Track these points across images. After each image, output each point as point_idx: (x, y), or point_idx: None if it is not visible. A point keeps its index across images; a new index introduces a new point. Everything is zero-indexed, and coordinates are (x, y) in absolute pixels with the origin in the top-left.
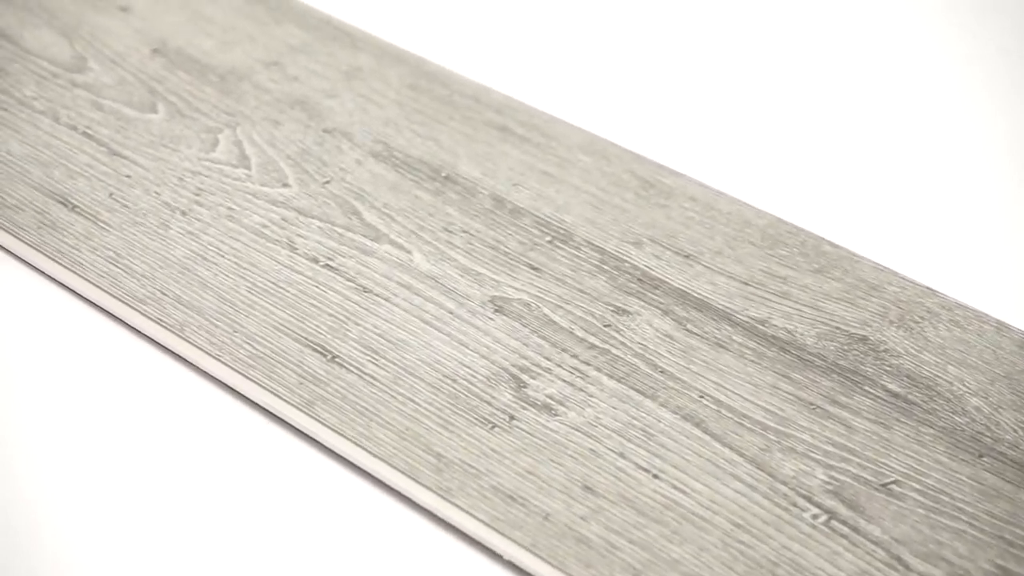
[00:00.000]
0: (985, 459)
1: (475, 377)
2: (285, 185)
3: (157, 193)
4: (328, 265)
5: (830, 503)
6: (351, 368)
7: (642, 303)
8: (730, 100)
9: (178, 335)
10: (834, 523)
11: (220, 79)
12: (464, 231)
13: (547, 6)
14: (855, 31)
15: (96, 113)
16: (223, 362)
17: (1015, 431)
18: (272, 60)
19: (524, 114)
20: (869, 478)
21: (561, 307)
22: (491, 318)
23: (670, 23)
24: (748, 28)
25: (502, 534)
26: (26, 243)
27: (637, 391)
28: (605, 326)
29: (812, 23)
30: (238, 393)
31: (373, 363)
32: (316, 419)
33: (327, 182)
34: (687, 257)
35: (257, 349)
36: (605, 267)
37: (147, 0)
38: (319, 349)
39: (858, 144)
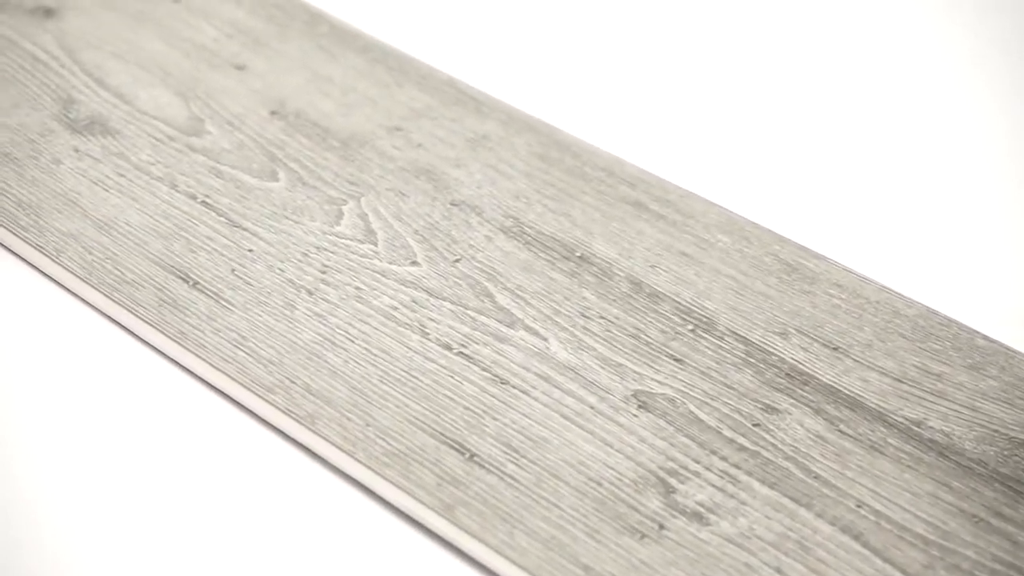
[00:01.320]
0: None
1: (621, 480)
2: (414, 263)
3: (281, 270)
4: (462, 353)
5: None
6: (491, 468)
7: (792, 400)
8: (870, 179)
9: (309, 428)
10: None
11: (342, 144)
12: (602, 317)
13: (677, 77)
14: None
15: (215, 180)
16: (357, 459)
17: None
18: (395, 125)
19: (659, 188)
20: None
21: (707, 403)
22: (635, 415)
23: (808, 99)
24: (896, 114)
25: None
26: (146, 322)
27: (791, 499)
28: (754, 425)
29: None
30: (370, 491)
31: (514, 463)
32: (456, 524)
33: (457, 260)
34: (835, 350)
35: (392, 445)
36: (751, 359)
37: (264, 58)
38: (456, 446)
39: (1009, 233)
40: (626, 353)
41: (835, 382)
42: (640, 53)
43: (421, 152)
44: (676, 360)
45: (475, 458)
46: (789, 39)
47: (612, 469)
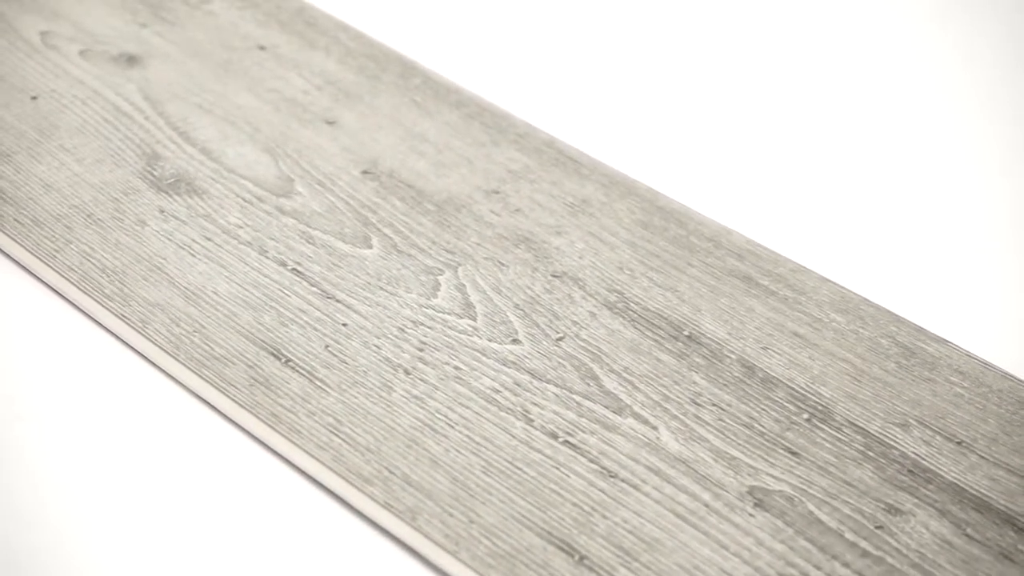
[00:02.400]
0: None
1: None
2: (515, 341)
3: (377, 347)
4: (568, 442)
5: None
6: (602, 573)
7: (915, 500)
8: (988, 256)
9: (409, 524)
10: None
11: (437, 208)
12: (714, 404)
13: (783, 142)
14: None
15: (306, 246)
16: (460, 559)
17: None
18: (492, 188)
19: (768, 261)
20: None
21: (827, 503)
22: (751, 514)
23: (923, 172)
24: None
25: None
26: (237, 402)
27: None
28: (877, 528)
29: None
30: None
31: (626, 567)
32: None
33: (560, 339)
34: (959, 444)
35: (497, 545)
36: (871, 453)
37: (355, 113)
38: (565, 547)
39: None
40: (740, 445)
41: (960, 480)
42: (744, 116)
43: (520, 218)
44: (792, 453)
45: (585, 560)
46: (907, 117)
47: (729, 575)
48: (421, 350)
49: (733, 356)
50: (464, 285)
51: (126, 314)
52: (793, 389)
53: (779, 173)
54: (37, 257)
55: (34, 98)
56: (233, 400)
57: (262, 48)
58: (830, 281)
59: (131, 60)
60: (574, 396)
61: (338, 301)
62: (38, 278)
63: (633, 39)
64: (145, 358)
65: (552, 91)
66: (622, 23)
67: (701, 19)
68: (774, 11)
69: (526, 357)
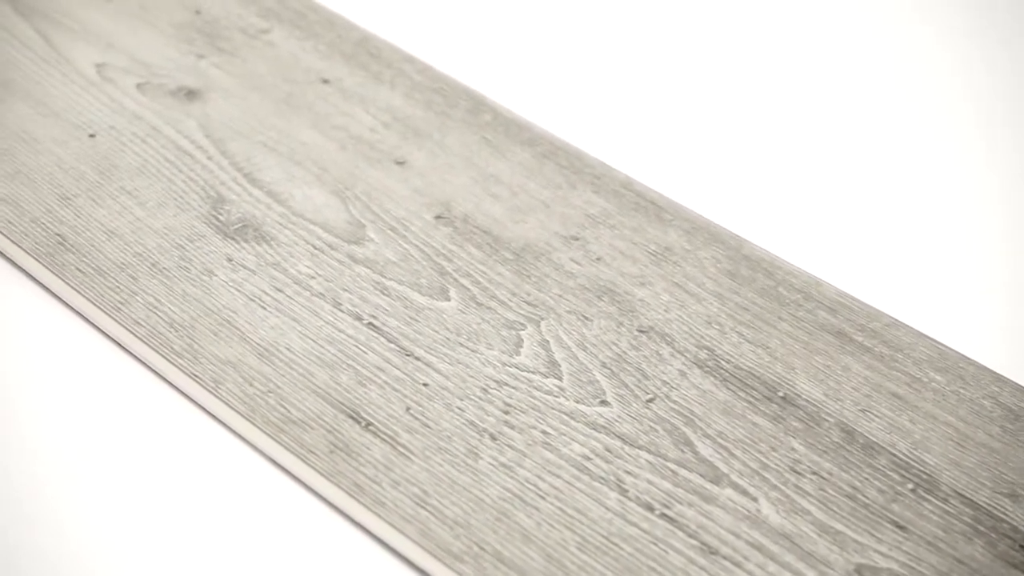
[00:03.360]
0: None
1: None
2: (603, 403)
3: (460, 409)
4: (664, 515)
5: None
6: None
7: None
8: None
9: None
10: None
11: (515, 257)
12: (814, 472)
13: (870, 189)
14: None
15: (381, 298)
16: None
17: None
18: (571, 234)
19: (862, 315)
20: None
21: None
22: None
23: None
24: None
25: None
26: (317, 470)
27: None
28: None
29: None
30: None
31: None
32: None
33: (650, 400)
34: None
35: None
36: (980, 527)
37: (425, 152)
38: None
39: None
40: (844, 518)
41: None
42: (830, 161)
43: (601, 267)
44: (899, 527)
45: None
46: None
47: None
48: (507, 413)
49: (831, 420)
50: (548, 341)
51: (197, 373)
52: (896, 456)
53: (869, 222)
54: (101, 309)
55: (92, 135)
56: (313, 468)
57: (325, 81)
58: (927, 337)
59: (190, 94)
60: (668, 464)
61: (417, 359)
62: (102, 331)
63: (713, 76)
64: (217, 420)
65: (627, 129)
66: (701, 58)
67: (787, 60)
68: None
69: (616, 420)
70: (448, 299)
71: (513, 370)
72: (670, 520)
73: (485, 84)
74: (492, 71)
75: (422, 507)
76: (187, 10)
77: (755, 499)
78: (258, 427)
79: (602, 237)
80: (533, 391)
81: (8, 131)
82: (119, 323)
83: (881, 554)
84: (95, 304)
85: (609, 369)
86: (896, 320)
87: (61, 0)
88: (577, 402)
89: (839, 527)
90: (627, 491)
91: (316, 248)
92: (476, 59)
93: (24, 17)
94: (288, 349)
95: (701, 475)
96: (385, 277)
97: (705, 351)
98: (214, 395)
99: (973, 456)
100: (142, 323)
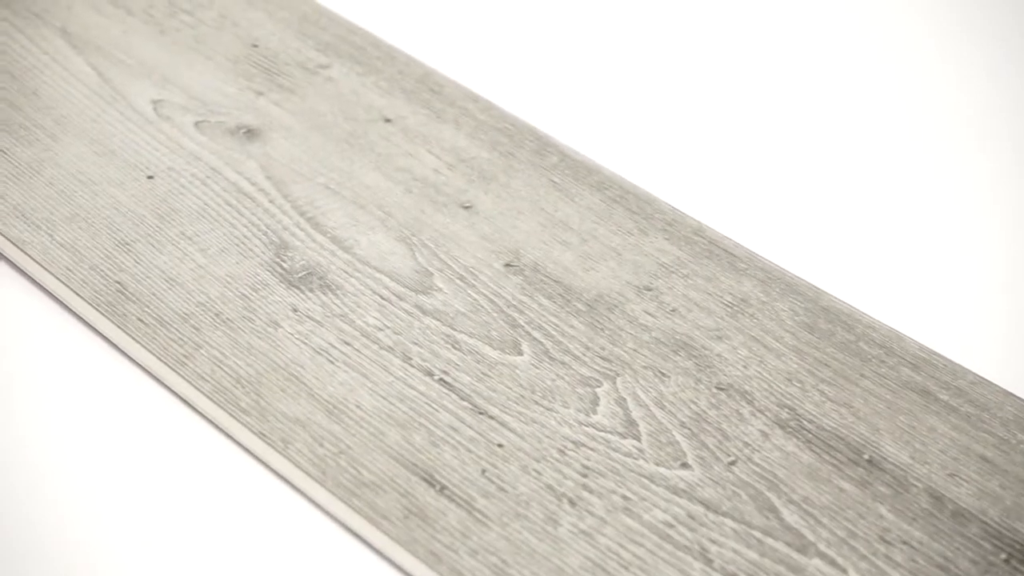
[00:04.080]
0: None
1: None
2: (684, 465)
3: (537, 472)
4: None
5: None
6: None
7: None
8: None
9: None
10: None
11: (588, 308)
12: (904, 542)
13: (948, 238)
14: None
15: (452, 352)
16: None
17: None
18: (644, 284)
19: (946, 372)
20: None
21: None
22: None
23: None
24: None
25: None
26: (392, 538)
27: None
28: None
29: None
30: None
31: None
32: None
33: (732, 462)
34: None
35: None
36: None
37: (492, 196)
38: None
39: None
40: None
41: None
42: (906, 208)
43: (676, 320)
44: None
45: None
46: None
47: None
48: (585, 476)
49: (919, 485)
50: (624, 399)
51: (265, 431)
52: (987, 524)
53: (951, 274)
54: (165, 363)
55: (150, 177)
56: (387, 534)
57: (388, 120)
58: (1014, 396)
59: (250, 133)
60: (753, 532)
61: (491, 417)
62: (166, 386)
63: (785, 121)
64: (286, 481)
65: (697, 172)
66: (775, 104)
67: (865, 111)
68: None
69: (698, 485)
70: (521, 353)
71: (590, 430)
72: None
73: (550, 123)
74: (558, 110)
75: None
76: (243, 43)
77: (844, 570)
78: (329, 490)
79: (676, 287)
80: (611, 452)
81: (64, 172)
82: (184, 378)
83: None
84: (159, 358)
85: (688, 429)
86: (981, 378)
87: (114, 32)
88: (657, 464)
89: None
90: (712, 561)
91: (383, 298)
92: (541, 97)
93: (78, 51)
94: (358, 407)
95: (787, 544)
96: (455, 329)
97: (787, 410)
98: (283, 455)
99: None
100: (207, 378)
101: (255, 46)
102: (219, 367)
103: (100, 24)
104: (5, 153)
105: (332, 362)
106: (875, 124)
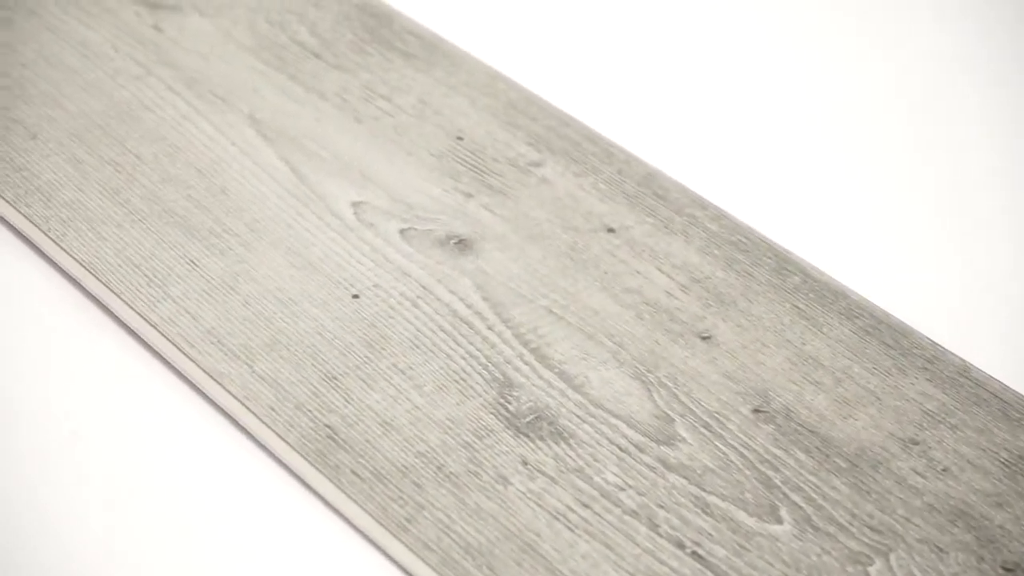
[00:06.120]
0: None
1: None
2: None
3: None
4: None
5: None
6: None
7: None
8: None
9: None
10: None
11: (850, 465)
12: None
13: None
14: None
15: (703, 519)
16: None
17: None
18: (909, 436)
19: None
20: None
21: None
22: None
23: None
24: None
25: None
26: None
27: None
28: None
29: None
30: None
31: None
32: None
33: None
34: None
35: None
36: None
37: (731, 324)
38: None
39: None
40: None
41: None
42: None
43: (949, 481)
44: None
45: None
46: None
47: None
48: None
49: None
50: None
51: None
52: None
53: None
54: (385, 528)
55: (355, 296)
56: None
57: (610, 230)
58: None
59: (461, 244)
60: None
61: None
62: (383, 551)
63: None
64: None
65: (956, 302)
66: None
67: None
68: None
69: None
70: (780, 521)
71: None
72: None
73: (787, 234)
74: (794, 220)
75: None
76: (447, 135)
77: None
78: None
79: (945, 440)
80: None
81: (262, 287)
82: (406, 546)
83: None
84: (378, 521)
85: None
86: None
87: (306, 120)
88: None
89: None
90: None
91: (622, 449)
92: (776, 205)
93: (269, 142)
94: None
95: None
96: (705, 490)
97: None
98: None
99: None
100: (433, 547)
101: (459, 138)
102: (446, 533)
103: (290, 110)
104: (196, 265)
105: (571, 529)
106: None
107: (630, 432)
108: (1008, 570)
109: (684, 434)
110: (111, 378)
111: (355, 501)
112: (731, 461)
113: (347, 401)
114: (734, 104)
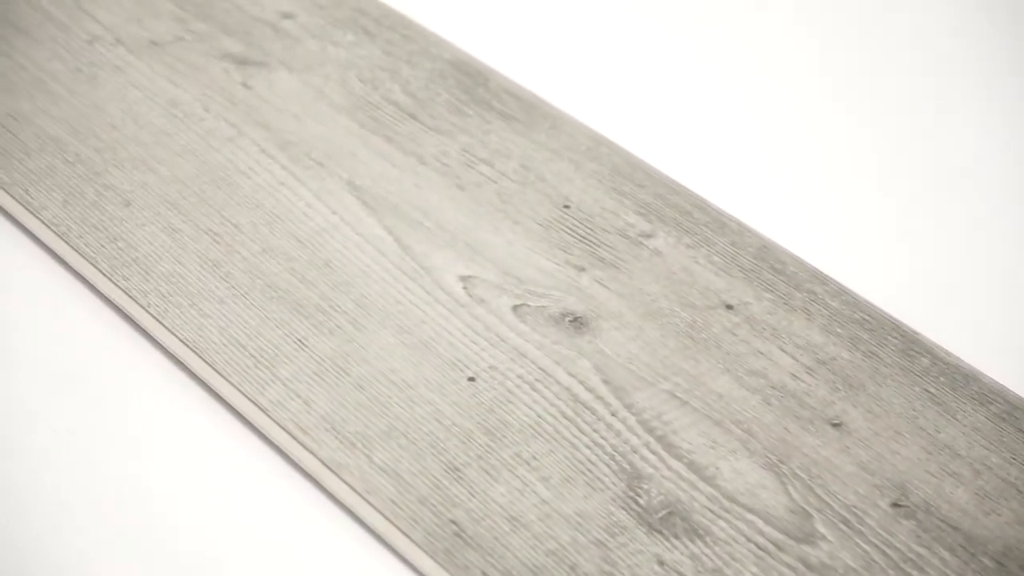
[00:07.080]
0: None
1: None
2: None
3: None
4: None
5: None
6: None
7: None
8: None
9: None
10: None
11: (997, 566)
12: None
13: None
14: None
15: None
16: None
17: None
18: None
19: None
20: None
21: None
22: None
23: None
24: None
25: None
26: None
27: None
28: None
29: None
30: None
31: None
32: None
33: None
34: None
35: None
36: None
37: (861, 409)
38: None
39: None
40: None
41: None
42: None
43: None
44: None
45: None
46: None
47: None
48: None
49: None
50: None
51: None
52: None
53: None
54: None
55: (471, 379)
56: None
57: (729, 307)
58: None
59: (577, 323)
60: None
61: None
62: None
63: None
64: None
65: None
66: None
67: None
68: None
69: None
70: None
71: None
72: None
73: (910, 311)
74: (919, 297)
75: None
76: (553, 203)
77: None
78: None
79: None
80: None
81: (374, 369)
82: None
83: None
84: None
85: None
86: None
87: (407, 186)
88: None
89: None
90: None
91: (760, 548)
92: (898, 279)
93: (371, 211)
94: None
95: None
96: None
97: None
98: None
99: None
100: None
101: (567, 207)
102: None
103: (390, 175)
104: (305, 345)
105: None
106: None
107: (767, 529)
108: None
109: (824, 531)
110: (221, 464)
111: None
112: (874, 560)
113: (471, 494)
114: (844, 172)
